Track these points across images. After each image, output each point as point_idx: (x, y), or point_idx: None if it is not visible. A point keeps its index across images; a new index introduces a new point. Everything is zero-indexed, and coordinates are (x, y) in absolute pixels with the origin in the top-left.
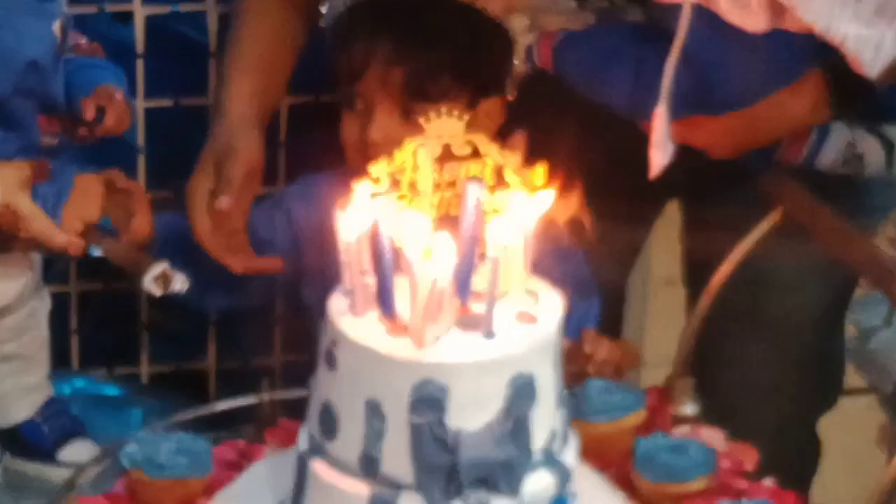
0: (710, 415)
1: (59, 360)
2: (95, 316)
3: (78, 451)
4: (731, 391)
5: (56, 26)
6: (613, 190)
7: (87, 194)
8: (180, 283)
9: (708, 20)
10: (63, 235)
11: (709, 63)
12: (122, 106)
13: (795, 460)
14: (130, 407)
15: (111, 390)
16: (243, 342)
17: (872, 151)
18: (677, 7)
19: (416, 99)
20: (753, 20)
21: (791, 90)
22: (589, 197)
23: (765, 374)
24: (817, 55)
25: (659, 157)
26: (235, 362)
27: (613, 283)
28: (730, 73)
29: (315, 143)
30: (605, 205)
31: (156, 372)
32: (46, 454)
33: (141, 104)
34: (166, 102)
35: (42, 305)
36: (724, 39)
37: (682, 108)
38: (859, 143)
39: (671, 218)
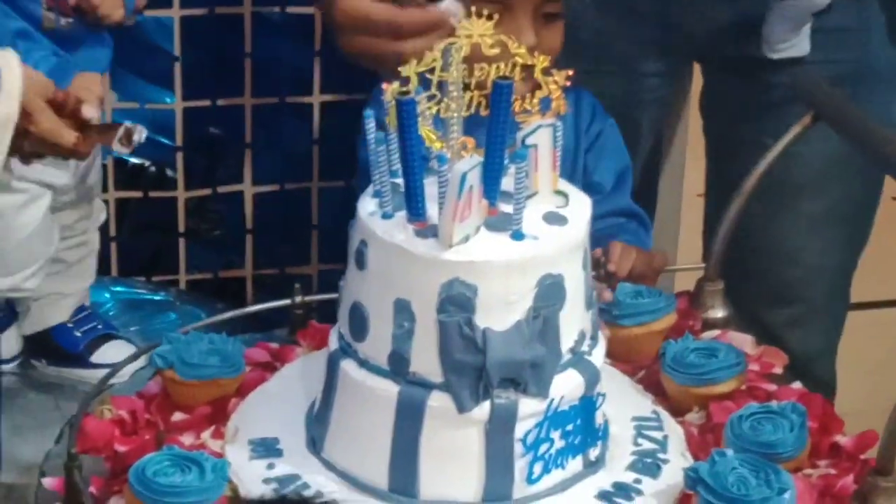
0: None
1: (99, 268)
2: (134, 224)
3: (112, 353)
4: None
5: None
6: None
7: (88, 93)
8: (138, 134)
9: None
10: (72, 133)
11: None
12: None
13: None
14: (168, 312)
15: (149, 296)
16: (280, 250)
17: None
18: None
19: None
20: None
21: None
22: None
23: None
24: None
25: None
26: (272, 270)
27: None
28: None
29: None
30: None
31: (194, 279)
32: (80, 358)
33: (177, 13)
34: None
35: (95, 212)
36: None
37: None
38: None
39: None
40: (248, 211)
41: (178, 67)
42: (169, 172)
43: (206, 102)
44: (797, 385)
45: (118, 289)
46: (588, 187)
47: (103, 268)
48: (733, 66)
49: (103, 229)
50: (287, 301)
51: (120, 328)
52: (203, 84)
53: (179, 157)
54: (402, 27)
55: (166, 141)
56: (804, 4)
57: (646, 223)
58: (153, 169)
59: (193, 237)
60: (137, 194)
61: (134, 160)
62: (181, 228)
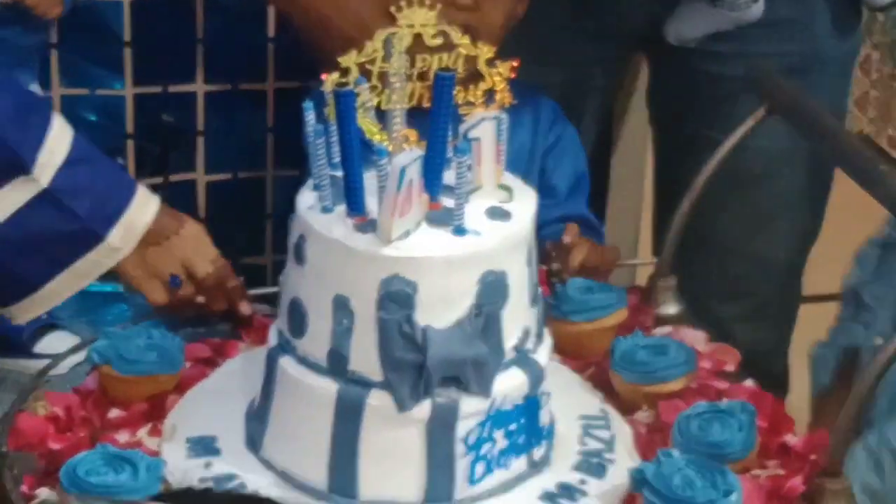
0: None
1: None
2: None
3: (55, 344)
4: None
5: None
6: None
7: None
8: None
9: None
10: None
11: None
12: None
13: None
14: (118, 303)
15: (99, 287)
16: (234, 240)
17: None
18: None
19: None
20: None
21: None
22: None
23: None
24: None
25: None
26: (225, 260)
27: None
28: None
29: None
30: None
31: None
32: (23, 348)
33: None
34: None
35: None
36: None
37: None
38: None
39: None
40: (200, 200)
41: (128, 53)
42: (119, 160)
43: (158, 89)
44: (749, 383)
45: None
46: (544, 190)
47: None
48: (679, 57)
49: None
50: None
51: (69, 319)
52: (154, 70)
53: (130, 144)
54: None
55: (116, 128)
56: (736, 17)
57: (599, 232)
58: None
59: None
60: None
61: None
62: None
